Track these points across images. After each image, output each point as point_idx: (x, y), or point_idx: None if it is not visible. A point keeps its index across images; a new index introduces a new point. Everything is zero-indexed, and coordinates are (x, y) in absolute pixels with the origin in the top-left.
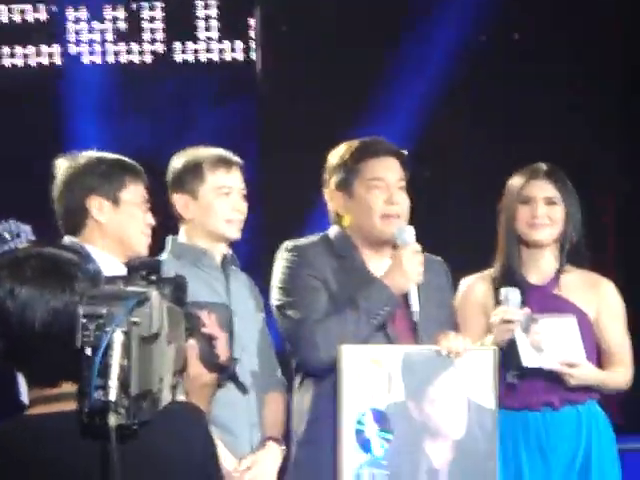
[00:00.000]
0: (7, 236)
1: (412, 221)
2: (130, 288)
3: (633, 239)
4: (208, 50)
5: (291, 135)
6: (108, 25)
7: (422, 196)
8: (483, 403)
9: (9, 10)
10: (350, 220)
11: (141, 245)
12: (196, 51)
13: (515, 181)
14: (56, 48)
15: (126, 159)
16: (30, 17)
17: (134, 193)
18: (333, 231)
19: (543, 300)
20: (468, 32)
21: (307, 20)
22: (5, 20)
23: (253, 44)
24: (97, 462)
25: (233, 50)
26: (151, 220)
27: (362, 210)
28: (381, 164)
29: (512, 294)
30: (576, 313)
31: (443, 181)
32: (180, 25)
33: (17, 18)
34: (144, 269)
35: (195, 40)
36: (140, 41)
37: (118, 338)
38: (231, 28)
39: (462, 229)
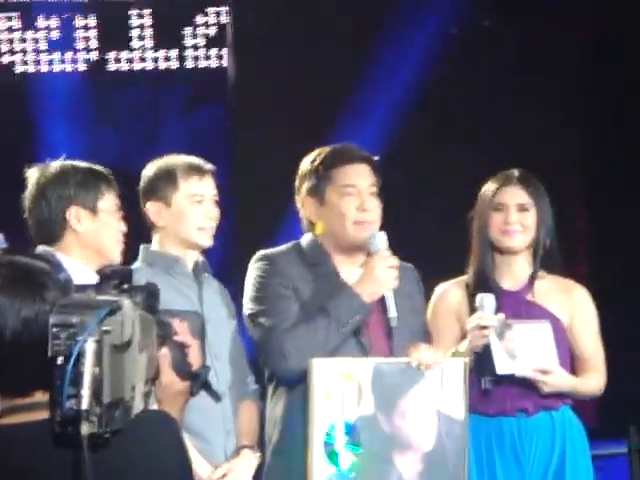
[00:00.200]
0: None
1: (384, 227)
2: (102, 297)
3: (605, 244)
4: (142, 59)
5: (263, 141)
6: (41, 34)
7: (394, 202)
8: (453, 414)
9: None
10: (322, 227)
11: (116, 253)
12: (130, 60)
13: (488, 188)
14: None
15: (98, 167)
16: None
17: (109, 202)
18: (305, 239)
19: (517, 306)
20: (439, 28)
21: (279, 25)
22: None
23: (225, 51)
24: (69, 471)
25: (167, 59)
26: (124, 228)
27: (334, 217)
28: (353, 170)
29: (487, 300)
30: (549, 319)
31: (415, 187)
32: (114, 34)
33: None
34: (116, 278)
35: (130, 49)
36: (74, 50)
37: (90, 347)
38: (165, 37)
39: (434, 235)
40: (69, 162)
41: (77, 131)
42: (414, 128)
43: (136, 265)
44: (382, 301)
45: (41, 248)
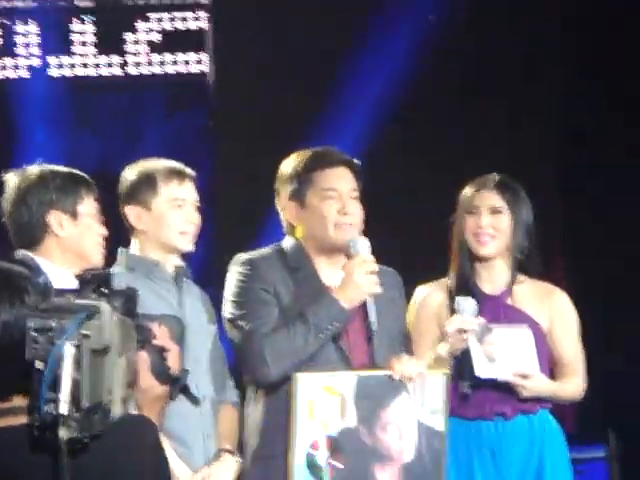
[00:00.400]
0: None
1: (365, 231)
2: (81, 301)
3: (583, 248)
4: (84, 65)
5: (244, 145)
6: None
7: (375, 206)
8: (433, 425)
9: None
10: (303, 230)
11: (97, 257)
12: (72, 66)
13: (465, 192)
14: None
15: (77, 171)
16: None
17: (89, 205)
18: (287, 242)
19: (496, 310)
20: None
21: (260, 29)
22: None
23: (205, 57)
24: (48, 476)
25: (109, 65)
26: (104, 231)
27: (315, 220)
28: (334, 174)
29: (467, 303)
30: (529, 323)
31: (398, 188)
32: (55, 40)
33: None
34: (95, 282)
35: (70, 54)
36: (14, 55)
37: (69, 351)
38: (107, 43)
39: (415, 239)
40: (47, 167)
41: (56, 136)
42: (395, 130)
43: (116, 269)
44: (363, 306)
45: (21, 252)
